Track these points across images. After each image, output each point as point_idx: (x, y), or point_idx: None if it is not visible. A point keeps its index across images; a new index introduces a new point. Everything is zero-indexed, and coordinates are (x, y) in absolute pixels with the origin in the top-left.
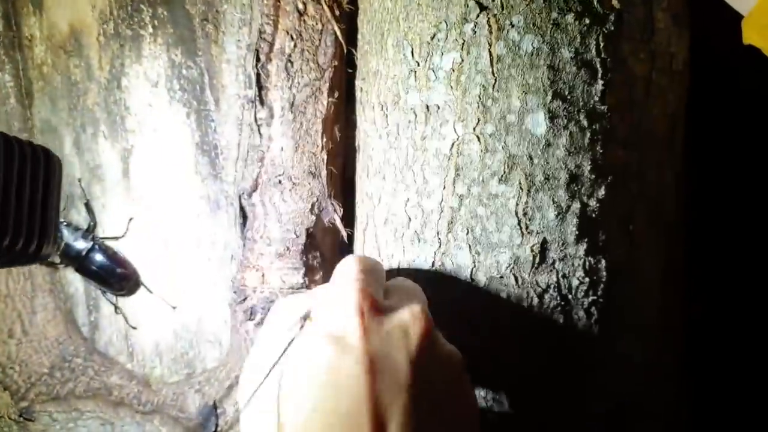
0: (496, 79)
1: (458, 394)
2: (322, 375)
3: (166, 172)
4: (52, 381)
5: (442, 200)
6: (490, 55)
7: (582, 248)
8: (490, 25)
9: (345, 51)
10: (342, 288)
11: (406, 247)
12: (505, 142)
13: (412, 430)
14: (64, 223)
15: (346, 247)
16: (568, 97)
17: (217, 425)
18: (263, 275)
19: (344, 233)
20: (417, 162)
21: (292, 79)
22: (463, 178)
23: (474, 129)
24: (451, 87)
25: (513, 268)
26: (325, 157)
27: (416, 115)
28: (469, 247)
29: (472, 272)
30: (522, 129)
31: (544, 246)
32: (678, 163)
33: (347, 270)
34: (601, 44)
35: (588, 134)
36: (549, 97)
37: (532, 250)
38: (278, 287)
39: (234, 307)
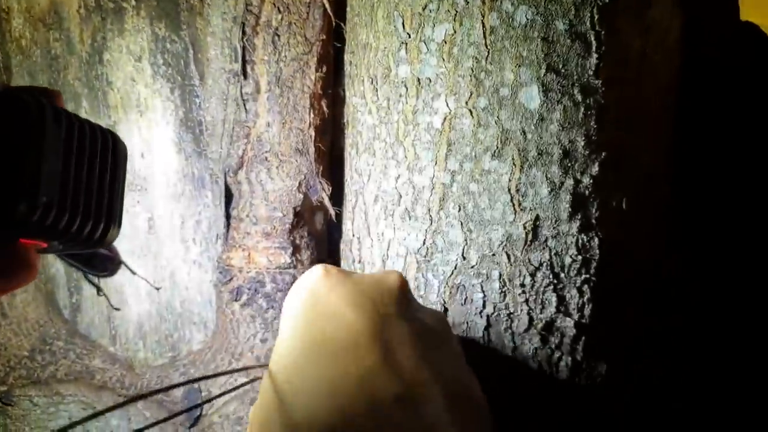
0: (489, 52)
1: (449, 340)
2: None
3: (149, 149)
4: (33, 364)
5: (433, 176)
6: (483, 26)
7: (575, 225)
8: None
9: (333, 24)
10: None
11: (396, 225)
12: (498, 117)
13: (419, 352)
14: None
15: (335, 226)
16: (562, 71)
17: (201, 408)
18: (249, 255)
19: (332, 212)
20: (408, 137)
21: (279, 52)
22: (455, 153)
23: (466, 103)
24: (443, 59)
25: (505, 245)
26: (313, 133)
27: (407, 89)
28: (461, 224)
29: (463, 250)
30: (515, 103)
31: (536, 223)
32: (670, 139)
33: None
34: (596, 16)
35: (582, 109)
36: (543, 70)
37: (524, 228)
38: (265, 267)
39: (219, 288)
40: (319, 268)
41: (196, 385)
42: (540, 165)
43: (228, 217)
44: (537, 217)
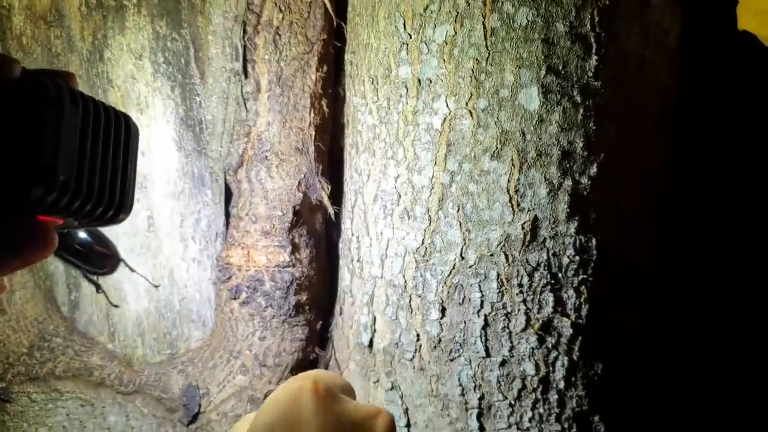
0: (489, 53)
1: None
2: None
3: (149, 147)
4: (31, 361)
5: (432, 176)
6: (484, 27)
7: (573, 226)
8: None
9: (335, 24)
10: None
11: (395, 225)
12: (497, 118)
13: None
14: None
15: (334, 225)
16: (562, 72)
17: (200, 406)
18: (248, 253)
19: (331, 211)
20: (408, 137)
21: (280, 52)
22: (454, 154)
23: (466, 104)
24: (444, 60)
25: (504, 245)
26: (313, 132)
27: (407, 89)
28: (460, 224)
29: (462, 250)
30: (515, 104)
31: (535, 224)
32: (669, 140)
33: None
34: (596, 18)
35: (581, 110)
36: (543, 72)
37: (523, 228)
38: (264, 265)
39: (218, 286)
40: (309, 382)
41: (194, 382)
42: (539, 166)
43: (227, 215)
44: (535, 218)
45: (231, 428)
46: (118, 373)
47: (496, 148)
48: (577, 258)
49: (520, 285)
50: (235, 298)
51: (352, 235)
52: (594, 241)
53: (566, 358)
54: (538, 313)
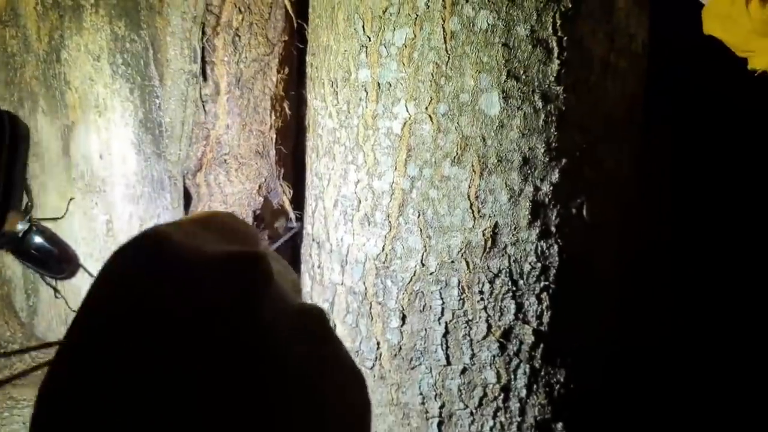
0: (449, 57)
1: None
2: None
3: (108, 150)
4: None
5: (393, 182)
6: (444, 31)
7: (534, 233)
8: (443, 0)
9: (296, 25)
10: None
11: (356, 231)
12: (458, 123)
13: None
14: None
15: (296, 230)
16: (523, 77)
17: None
18: None
19: (293, 216)
20: (368, 142)
21: (240, 53)
22: (415, 159)
23: (426, 108)
24: (404, 64)
25: (465, 252)
26: (274, 135)
27: (367, 93)
28: (420, 230)
29: (423, 257)
30: (475, 109)
31: (496, 230)
32: (635, 146)
33: None
34: (558, 22)
35: (542, 116)
36: (503, 77)
37: (483, 234)
38: None
39: None
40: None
41: None
42: (499, 172)
43: None
44: (496, 224)
45: None
46: None
47: (457, 153)
48: (539, 265)
49: (481, 292)
50: None
51: (313, 240)
52: (556, 247)
53: (528, 365)
54: (500, 320)
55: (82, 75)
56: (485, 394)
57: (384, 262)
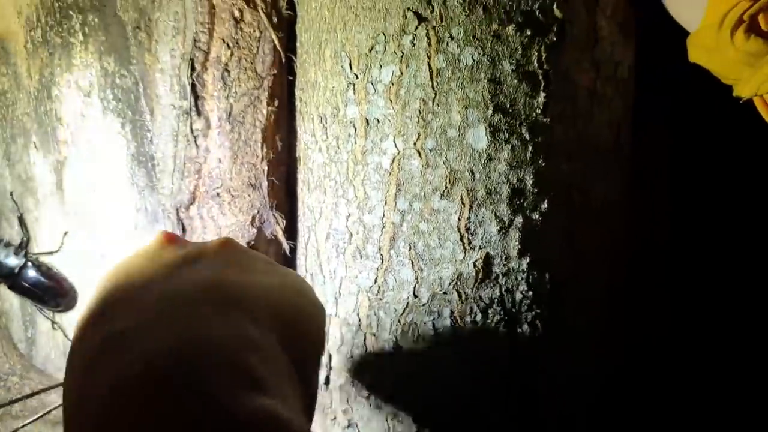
0: (436, 93)
1: None
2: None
3: (101, 184)
4: None
5: (383, 216)
6: (430, 68)
7: (525, 262)
8: (429, 38)
9: (284, 59)
10: None
11: (348, 263)
12: (446, 157)
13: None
14: None
15: (289, 261)
16: (510, 111)
17: None
18: None
19: (286, 246)
20: (358, 176)
21: (230, 88)
22: (404, 193)
23: (414, 144)
24: (391, 101)
25: (456, 283)
26: (266, 167)
27: (356, 129)
28: (412, 263)
29: (415, 288)
30: (463, 143)
31: (487, 261)
32: (625, 172)
33: None
34: (543, 55)
35: (530, 147)
36: (490, 111)
37: (475, 266)
38: None
39: None
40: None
41: None
42: (489, 204)
43: None
44: (487, 255)
45: None
46: None
47: (446, 187)
48: (530, 293)
49: (474, 322)
50: None
51: (306, 272)
52: (547, 276)
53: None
54: None
55: (73, 111)
56: None
57: (377, 294)
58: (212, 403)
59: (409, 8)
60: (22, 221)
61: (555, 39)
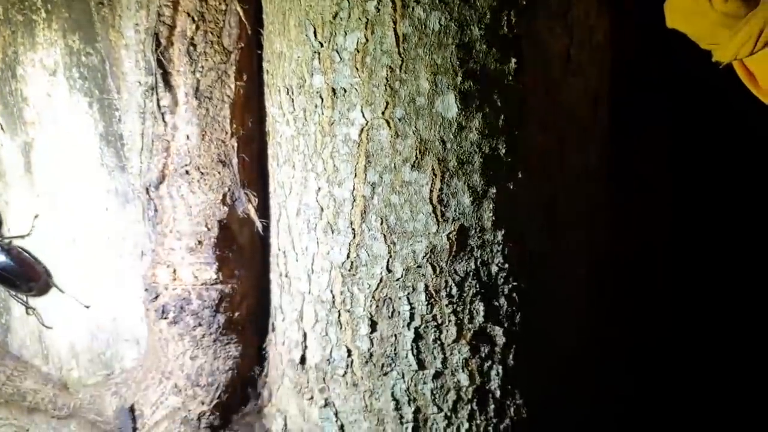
0: (403, 60)
1: None
2: None
3: (70, 165)
4: None
5: (354, 189)
6: (396, 34)
7: (500, 234)
8: (393, 2)
9: (251, 32)
10: None
11: (319, 239)
12: (415, 127)
13: None
14: None
15: (264, 239)
16: (480, 77)
17: (134, 429)
18: (175, 271)
19: (259, 225)
20: (326, 149)
21: (196, 63)
22: (374, 165)
23: (383, 113)
24: (357, 69)
25: (430, 257)
26: (236, 144)
27: (323, 99)
28: (384, 237)
29: (388, 263)
30: (432, 112)
31: (461, 233)
32: (603, 142)
33: None
34: (513, 20)
35: (503, 115)
36: (459, 78)
37: (449, 238)
38: (191, 283)
39: (147, 305)
40: None
41: (127, 405)
42: (461, 174)
43: (153, 232)
44: (461, 227)
45: None
46: (52, 397)
47: (416, 157)
48: (507, 266)
49: (450, 296)
50: (163, 318)
51: (279, 249)
52: (523, 247)
53: (501, 366)
54: (470, 323)
55: (39, 91)
56: (459, 397)
57: (350, 270)
58: None
59: None
60: None
61: (525, 3)
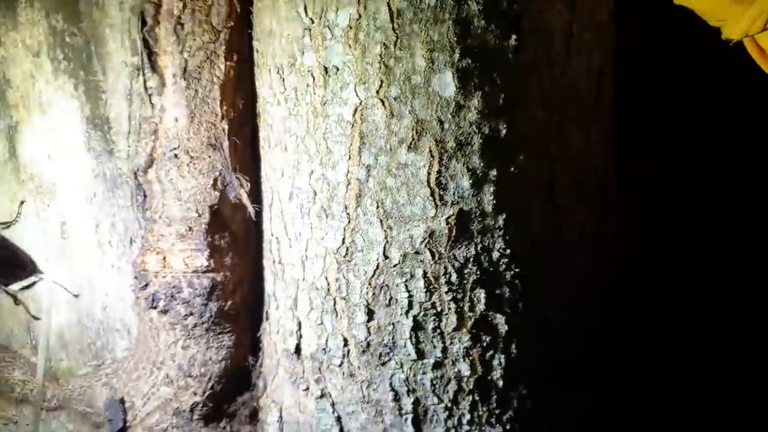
0: (397, 36)
1: None
2: None
3: (56, 149)
4: None
5: (348, 171)
6: (390, 8)
7: (501, 218)
8: None
9: (240, 10)
10: None
11: (313, 224)
12: (411, 106)
13: None
14: None
15: (257, 225)
16: (479, 55)
17: (125, 420)
18: (165, 258)
19: (251, 209)
20: (318, 130)
21: (184, 42)
22: (369, 146)
23: (377, 92)
24: (349, 45)
25: (428, 242)
26: (227, 126)
27: (314, 78)
28: (381, 221)
29: (385, 248)
30: (429, 91)
31: (460, 217)
32: (606, 122)
33: None
34: None
35: (503, 94)
36: (457, 55)
37: (447, 223)
38: (181, 271)
39: (137, 294)
40: None
41: (117, 396)
42: (460, 156)
43: (143, 218)
44: (460, 211)
45: None
46: (41, 388)
47: (413, 138)
48: (509, 252)
49: (450, 283)
50: (153, 307)
51: (272, 235)
52: (526, 231)
53: (503, 356)
54: (471, 311)
55: (23, 72)
56: (460, 388)
57: (345, 256)
58: None
59: None
60: None
61: None
